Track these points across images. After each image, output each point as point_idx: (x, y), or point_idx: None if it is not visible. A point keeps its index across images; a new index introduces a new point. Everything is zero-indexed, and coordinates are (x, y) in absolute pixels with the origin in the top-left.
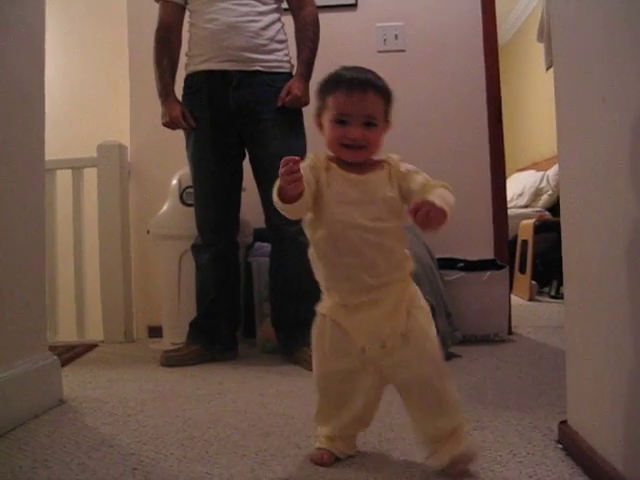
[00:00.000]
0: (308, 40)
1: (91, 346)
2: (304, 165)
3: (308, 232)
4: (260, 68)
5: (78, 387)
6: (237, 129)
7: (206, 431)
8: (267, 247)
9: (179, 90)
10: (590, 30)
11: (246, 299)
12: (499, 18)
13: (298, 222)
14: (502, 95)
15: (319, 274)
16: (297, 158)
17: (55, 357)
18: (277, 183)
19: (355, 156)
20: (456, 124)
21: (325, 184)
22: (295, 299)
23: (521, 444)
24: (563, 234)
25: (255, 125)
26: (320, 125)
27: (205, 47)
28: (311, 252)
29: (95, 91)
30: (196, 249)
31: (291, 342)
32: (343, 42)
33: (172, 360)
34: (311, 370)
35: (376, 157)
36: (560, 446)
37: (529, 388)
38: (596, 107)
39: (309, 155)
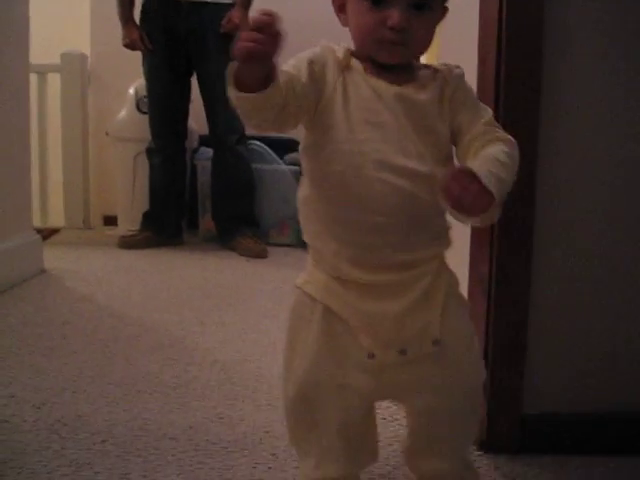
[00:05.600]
0: None
1: (55, 230)
2: (300, 56)
3: (304, 163)
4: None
5: (54, 260)
6: (186, 51)
7: (160, 293)
8: (211, 152)
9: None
10: None
11: (191, 196)
12: None
13: (237, 131)
14: None
15: (310, 230)
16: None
17: (38, 235)
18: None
19: (391, 54)
20: None
21: (340, 91)
22: (232, 198)
23: None
24: None
25: (201, 48)
26: (341, 7)
27: None
28: (303, 195)
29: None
30: (149, 152)
31: (228, 233)
32: None
33: (128, 243)
34: (243, 255)
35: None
36: None
37: None
38: None
39: (317, 47)
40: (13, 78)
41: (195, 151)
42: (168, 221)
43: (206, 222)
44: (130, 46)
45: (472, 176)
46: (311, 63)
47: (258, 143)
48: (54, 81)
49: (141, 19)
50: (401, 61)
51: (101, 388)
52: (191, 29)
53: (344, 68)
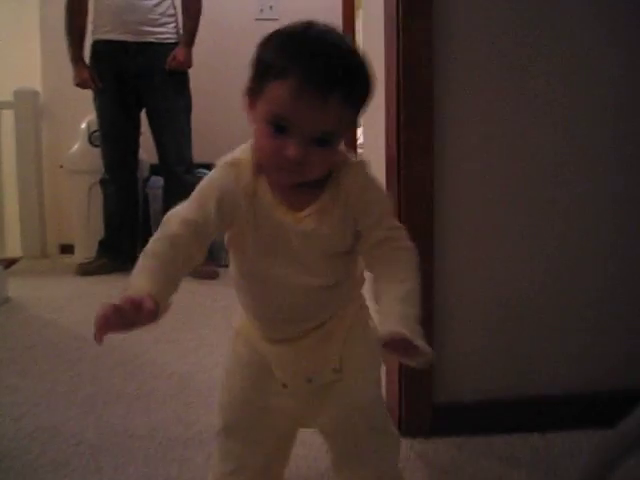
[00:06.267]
0: (192, 11)
1: (14, 260)
2: (207, 192)
3: (229, 249)
4: (152, 40)
5: (16, 289)
6: (135, 88)
7: None
8: (161, 181)
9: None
10: None
11: (144, 223)
12: None
13: (185, 162)
14: None
15: (238, 296)
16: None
17: (2, 266)
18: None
19: (288, 179)
20: None
21: (251, 222)
22: None
23: None
24: None
25: (149, 85)
26: (251, 105)
27: (107, 19)
28: (231, 269)
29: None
30: (103, 183)
31: None
32: (223, 6)
33: (86, 270)
34: (195, 277)
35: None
36: None
37: None
38: None
39: (223, 166)
40: None
41: (146, 180)
42: (123, 248)
43: None
44: (81, 85)
45: (404, 340)
46: (220, 202)
47: (206, 172)
48: (8, 117)
49: (91, 59)
50: (298, 182)
51: (71, 401)
52: (139, 67)
53: (252, 195)
